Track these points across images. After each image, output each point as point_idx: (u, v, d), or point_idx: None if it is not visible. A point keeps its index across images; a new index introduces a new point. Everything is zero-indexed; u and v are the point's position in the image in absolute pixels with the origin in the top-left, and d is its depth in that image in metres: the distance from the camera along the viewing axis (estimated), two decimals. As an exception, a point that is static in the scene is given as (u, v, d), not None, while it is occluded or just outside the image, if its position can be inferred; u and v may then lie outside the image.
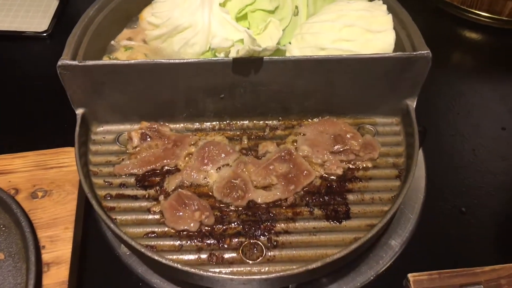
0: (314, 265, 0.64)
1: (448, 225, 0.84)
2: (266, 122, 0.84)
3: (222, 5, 0.85)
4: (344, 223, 0.72)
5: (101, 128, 0.83)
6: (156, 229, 0.71)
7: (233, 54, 0.75)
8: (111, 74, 0.75)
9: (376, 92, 0.80)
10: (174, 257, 0.68)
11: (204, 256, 0.69)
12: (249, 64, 0.75)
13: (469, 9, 1.20)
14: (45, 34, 1.17)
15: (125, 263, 0.78)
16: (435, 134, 0.99)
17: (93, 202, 0.72)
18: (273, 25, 0.85)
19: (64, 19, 1.21)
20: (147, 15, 0.90)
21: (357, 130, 0.82)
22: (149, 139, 0.81)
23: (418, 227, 0.83)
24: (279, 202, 0.73)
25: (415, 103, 0.80)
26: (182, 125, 0.84)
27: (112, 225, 0.68)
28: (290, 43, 0.88)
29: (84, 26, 0.83)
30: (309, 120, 0.84)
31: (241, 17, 0.86)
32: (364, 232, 0.68)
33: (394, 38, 0.81)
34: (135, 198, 0.75)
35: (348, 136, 0.80)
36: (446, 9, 1.24)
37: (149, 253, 0.64)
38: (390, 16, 0.82)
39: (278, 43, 0.81)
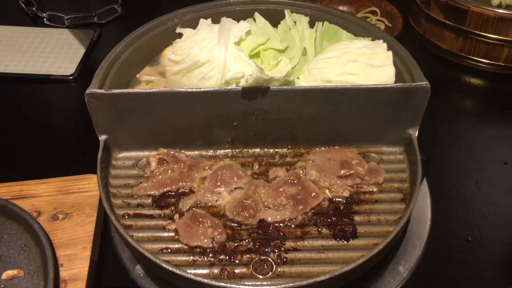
0: (322, 277, 0.64)
1: (454, 253, 0.84)
2: (276, 150, 0.86)
3: (237, 43, 0.93)
4: (351, 241, 0.73)
5: (122, 154, 0.86)
6: (170, 246, 0.72)
7: (242, 83, 0.81)
8: (133, 102, 0.78)
9: (380, 121, 0.82)
10: (187, 270, 0.67)
11: (216, 270, 0.69)
12: (258, 93, 0.78)
13: (468, 55, 1.26)
14: (71, 77, 1.25)
15: (139, 285, 0.78)
16: (439, 167, 1.01)
17: (112, 218, 0.74)
18: (283, 62, 0.92)
19: (89, 64, 1.30)
20: (168, 53, 0.97)
21: (363, 158, 0.84)
22: (166, 164, 0.83)
23: (425, 254, 0.82)
24: (289, 221, 0.75)
25: (417, 132, 0.82)
26: (197, 152, 0.86)
27: (129, 239, 0.69)
28: (298, 78, 0.94)
29: (111, 61, 0.90)
30: (317, 148, 0.86)
31: (254, 55, 0.94)
32: (370, 250, 0.68)
33: (394, 71, 0.87)
34: (151, 217, 0.76)
35: (354, 162, 0.82)
36: (446, 56, 1.31)
37: (163, 264, 0.65)
38: (390, 53, 0.89)
39: (287, 75, 0.87)
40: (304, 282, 0.64)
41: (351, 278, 0.68)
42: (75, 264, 0.81)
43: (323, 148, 0.86)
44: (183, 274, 0.65)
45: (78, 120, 1.06)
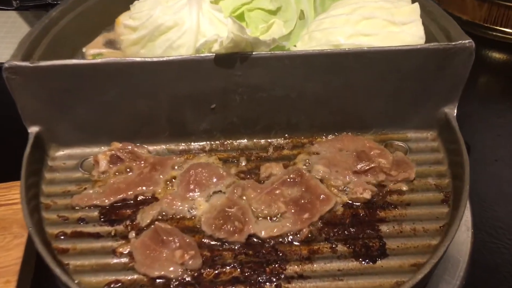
0: None
1: (509, 266, 0.71)
2: (269, 140, 0.73)
3: (214, 2, 0.73)
4: (379, 262, 0.59)
5: (61, 153, 0.72)
6: (122, 277, 0.58)
7: (216, 48, 0.64)
8: (72, 79, 0.65)
9: (407, 97, 0.69)
10: None
11: None
12: (241, 61, 0.65)
13: (493, 26, 1.10)
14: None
15: None
16: (477, 158, 0.85)
17: (36, 240, 0.57)
18: (276, 25, 0.72)
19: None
20: (125, 18, 0.77)
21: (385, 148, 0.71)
22: (120, 163, 0.69)
23: (471, 273, 0.68)
24: (290, 236, 0.62)
25: (455, 111, 0.70)
26: (163, 146, 0.73)
27: (58, 271, 0.53)
28: (295, 46, 0.74)
29: (44, 28, 0.72)
30: (323, 137, 0.73)
31: (236, 17, 0.73)
32: (408, 274, 0.56)
33: (423, 29, 0.70)
34: (96, 236, 0.62)
35: (374, 152, 0.69)
36: (467, 28, 1.11)
37: None
38: (416, 5, 0.71)
39: (279, 41, 0.68)
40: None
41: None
42: (-7, 306, 0.59)
43: (331, 137, 0.73)
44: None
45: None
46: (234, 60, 0.64)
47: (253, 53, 0.64)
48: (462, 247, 0.70)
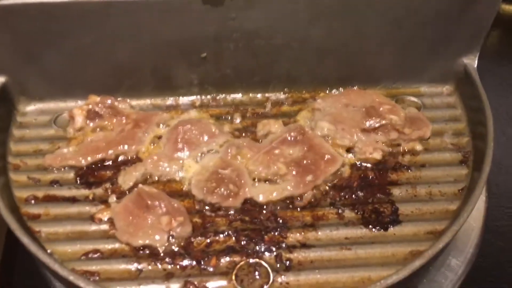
0: None
1: None
2: (267, 95, 0.70)
3: None
4: (391, 230, 0.56)
5: (32, 107, 0.68)
6: (101, 246, 0.54)
7: None
8: (40, 20, 0.59)
9: (422, 47, 0.67)
10: None
11: (175, 286, 0.51)
12: (237, 1, 0.60)
13: None
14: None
15: None
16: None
17: (1, 205, 0.52)
18: None
19: None
20: None
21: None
22: (99, 119, 0.65)
23: (484, 241, 0.65)
24: (291, 201, 0.59)
25: (476, 62, 0.66)
26: (148, 101, 0.69)
27: (26, 240, 0.48)
28: None
29: None
30: (327, 92, 0.69)
31: None
32: (424, 242, 0.53)
33: None
34: (72, 200, 0.59)
35: (385, 108, 0.65)
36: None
37: (84, 285, 0.46)
38: None
39: None
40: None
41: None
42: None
43: (335, 91, 0.70)
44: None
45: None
46: (227, 0, 0.59)
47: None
48: (475, 213, 0.68)
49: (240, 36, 0.63)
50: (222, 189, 0.56)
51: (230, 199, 0.56)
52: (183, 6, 0.59)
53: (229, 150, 0.60)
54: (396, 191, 0.59)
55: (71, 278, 0.45)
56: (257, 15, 0.61)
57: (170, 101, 0.69)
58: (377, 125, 0.62)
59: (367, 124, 0.62)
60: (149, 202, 0.55)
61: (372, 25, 0.64)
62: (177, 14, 0.60)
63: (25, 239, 0.49)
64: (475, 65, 0.65)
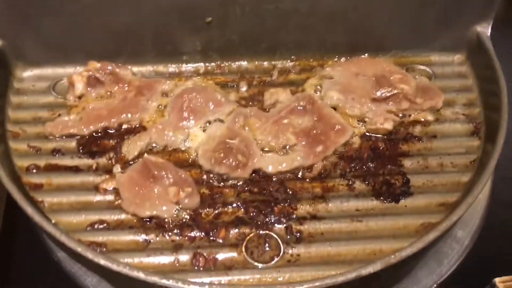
0: (370, 269, 0.43)
1: None
2: (274, 62, 0.68)
3: None
4: (402, 201, 0.55)
5: (30, 73, 0.66)
6: (107, 217, 0.53)
7: None
8: None
9: (434, 13, 0.66)
10: (136, 260, 0.50)
11: (184, 258, 0.51)
12: None
13: None
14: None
15: (68, 272, 0.57)
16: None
17: (2, 173, 0.50)
18: None
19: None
20: None
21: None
22: (100, 86, 0.64)
23: (490, 212, 0.65)
24: (301, 172, 0.57)
25: (489, 30, 0.64)
26: (150, 68, 0.67)
27: (30, 210, 0.47)
28: None
29: None
30: (335, 60, 0.67)
31: None
32: (435, 215, 0.52)
33: None
34: (75, 170, 0.57)
35: (395, 77, 0.63)
36: None
37: (93, 256, 0.44)
38: None
39: None
40: (340, 278, 0.42)
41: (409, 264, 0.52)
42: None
43: (343, 59, 0.68)
44: (129, 272, 0.43)
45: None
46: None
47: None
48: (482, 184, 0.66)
49: (247, 0, 0.62)
50: (231, 160, 0.55)
51: (239, 170, 0.55)
52: (187, -34, 0.56)
53: (236, 120, 0.58)
54: (407, 163, 0.58)
55: (79, 249, 0.44)
56: (266, -22, 0.58)
57: (172, 68, 0.67)
58: (388, 94, 0.61)
59: (378, 93, 0.61)
60: (155, 172, 0.53)
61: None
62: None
63: (29, 209, 0.48)
64: (489, 33, 0.64)
